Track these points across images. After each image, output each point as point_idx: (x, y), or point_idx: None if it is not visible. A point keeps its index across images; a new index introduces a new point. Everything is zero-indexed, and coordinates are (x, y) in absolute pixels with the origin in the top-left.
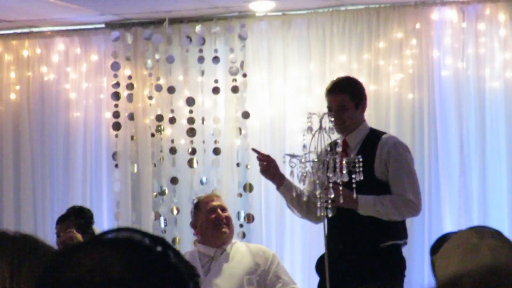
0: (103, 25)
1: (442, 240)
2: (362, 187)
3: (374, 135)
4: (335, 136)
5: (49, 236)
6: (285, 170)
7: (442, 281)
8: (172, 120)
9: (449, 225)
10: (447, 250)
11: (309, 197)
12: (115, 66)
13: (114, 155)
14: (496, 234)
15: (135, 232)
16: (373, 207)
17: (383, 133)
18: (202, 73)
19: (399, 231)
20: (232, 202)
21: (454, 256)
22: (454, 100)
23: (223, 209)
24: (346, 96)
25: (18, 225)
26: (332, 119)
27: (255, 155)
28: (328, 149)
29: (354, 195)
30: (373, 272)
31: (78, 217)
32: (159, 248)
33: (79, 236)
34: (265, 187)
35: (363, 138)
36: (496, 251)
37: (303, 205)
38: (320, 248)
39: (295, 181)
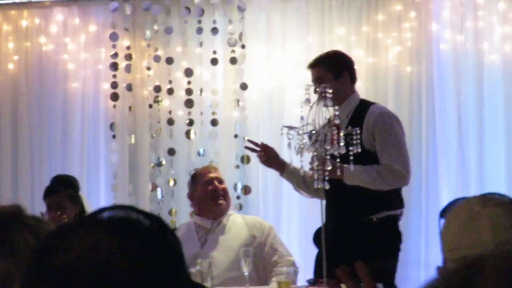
0: None
1: (452, 205)
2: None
3: (363, 106)
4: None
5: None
6: (282, 142)
7: (460, 265)
8: (170, 91)
9: (446, 199)
10: (451, 216)
11: (305, 172)
12: (114, 37)
13: (111, 126)
14: (502, 203)
15: (131, 210)
16: (358, 176)
17: (372, 103)
18: (201, 44)
19: (392, 202)
20: (230, 174)
21: (455, 222)
22: (453, 73)
23: (220, 181)
24: (322, 68)
25: (15, 196)
26: (330, 91)
27: (253, 126)
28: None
29: (352, 168)
30: (366, 245)
31: (67, 187)
32: (155, 228)
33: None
34: None
35: (352, 109)
36: (495, 221)
37: (310, 185)
38: (317, 220)
39: (292, 153)
